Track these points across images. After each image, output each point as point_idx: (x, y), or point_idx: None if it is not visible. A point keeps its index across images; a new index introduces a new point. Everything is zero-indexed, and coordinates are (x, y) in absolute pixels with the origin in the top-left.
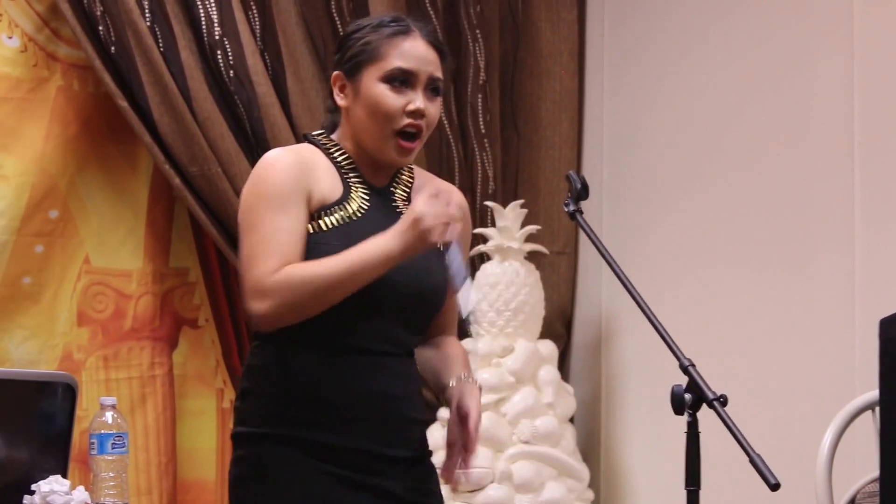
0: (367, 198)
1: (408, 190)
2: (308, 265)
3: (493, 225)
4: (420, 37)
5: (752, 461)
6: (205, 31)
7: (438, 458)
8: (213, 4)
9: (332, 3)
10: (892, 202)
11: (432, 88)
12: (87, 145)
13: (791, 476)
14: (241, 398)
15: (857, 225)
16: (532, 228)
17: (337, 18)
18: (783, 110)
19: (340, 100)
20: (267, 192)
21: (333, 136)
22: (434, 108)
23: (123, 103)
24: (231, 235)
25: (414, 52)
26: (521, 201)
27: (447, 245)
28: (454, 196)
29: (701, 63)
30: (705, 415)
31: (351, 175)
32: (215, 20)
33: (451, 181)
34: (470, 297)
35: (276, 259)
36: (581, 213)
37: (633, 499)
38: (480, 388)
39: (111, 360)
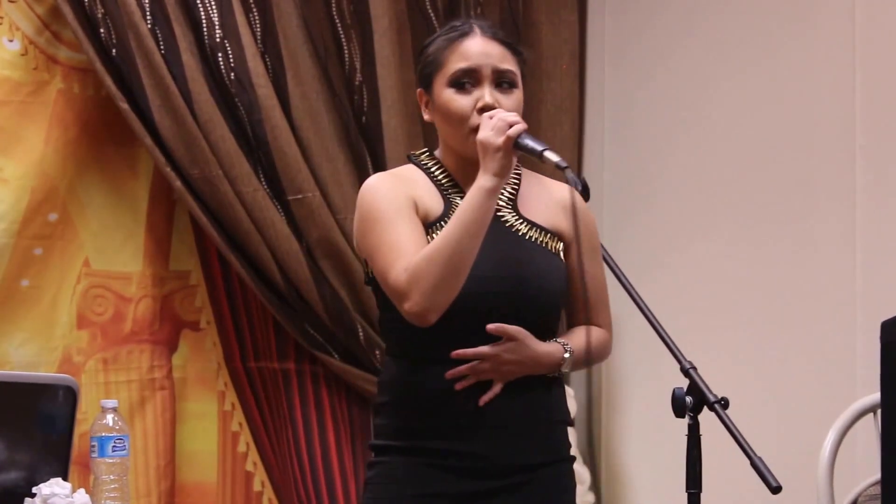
0: None
1: (512, 196)
2: (426, 246)
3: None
4: (479, 34)
5: (753, 464)
6: (206, 33)
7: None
8: (213, 7)
9: (333, 5)
10: (894, 204)
11: (504, 82)
12: (87, 148)
13: (792, 479)
14: (375, 413)
15: (858, 226)
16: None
17: (338, 20)
18: (784, 109)
19: (426, 115)
20: (377, 212)
21: (436, 153)
22: (509, 101)
23: (124, 105)
24: (231, 238)
25: (473, 49)
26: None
27: (519, 140)
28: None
29: (703, 63)
30: (706, 417)
31: (451, 190)
32: (216, 22)
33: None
34: (553, 156)
35: (404, 259)
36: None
37: (634, 501)
38: (565, 359)
39: (111, 363)
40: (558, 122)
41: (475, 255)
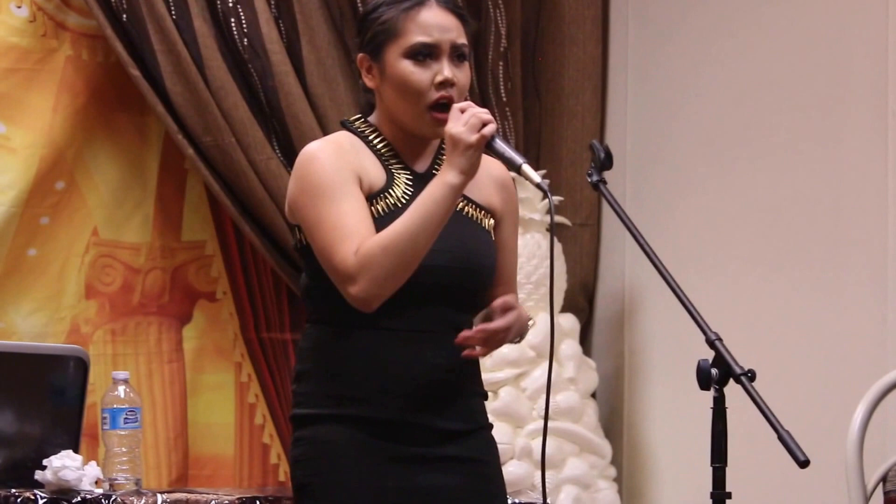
0: (410, 184)
1: None
2: (382, 233)
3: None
4: (436, 5)
5: (780, 438)
6: None
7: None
8: None
9: None
10: None
11: (458, 55)
12: (96, 116)
13: (820, 453)
14: (296, 381)
15: (890, 195)
16: (554, 199)
17: None
18: (812, 67)
19: (369, 81)
20: (319, 185)
21: (371, 120)
22: (462, 74)
23: (135, 72)
24: (245, 207)
25: (432, 22)
26: (542, 172)
27: (491, 142)
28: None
29: (730, 29)
30: (732, 390)
31: (392, 161)
32: None
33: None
34: (532, 172)
35: (351, 241)
36: (605, 183)
37: (656, 476)
38: (528, 326)
39: (119, 334)
40: (581, 87)
41: (428, 248)
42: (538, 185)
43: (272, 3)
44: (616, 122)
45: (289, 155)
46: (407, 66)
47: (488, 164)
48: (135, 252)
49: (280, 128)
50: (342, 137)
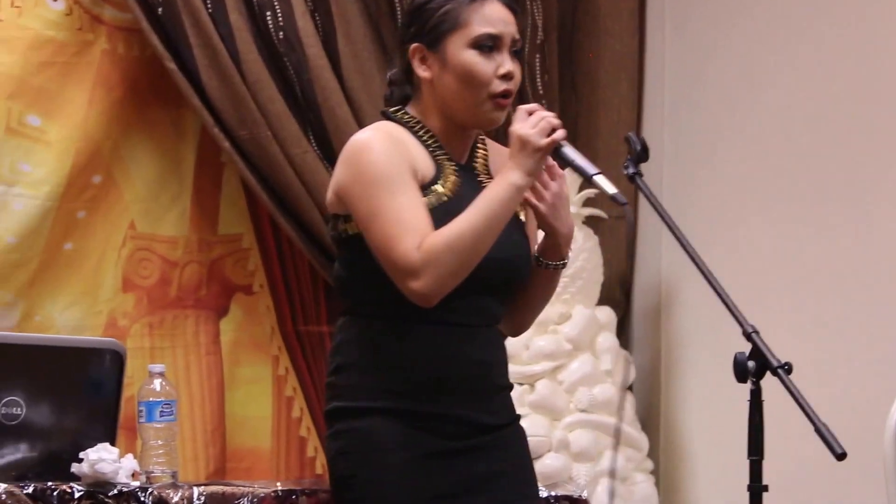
0: (456, 175)
1: (485, 163)
2: (445, 229)
3: None
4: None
5: (817, 430)
6: None
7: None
8: None
9: None
10: None
11: (514, 51)
12: (131, 110)
13: (858, 446)
14: (334, 373)
15: None
16: (590, 192)
17: None
18: (855, 70)
19: (423, 71)
20: (375, 175)
21: (410, 111)
22: (518, 70)
23: (171, 65)
24: (282, 200)
25: (497, 15)
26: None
27: (559, 148)
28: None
29: (766, 18)
30: (769, 382)
31: (438, 153)
32: None
33: (508, 144)
34: (608, 185)
35: (413, 235)
36: (641, 175)
37: (693, 469)
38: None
39: (156, 327)
40: (617, 80)
41: (490, 247)
42: (613, 197)
43: None
44: (653, 114)
45: (325, 148)
46: (472, 56)
47: (502, 153)
48: (172, 245)
49: (316, 121)
50: (389, 127)
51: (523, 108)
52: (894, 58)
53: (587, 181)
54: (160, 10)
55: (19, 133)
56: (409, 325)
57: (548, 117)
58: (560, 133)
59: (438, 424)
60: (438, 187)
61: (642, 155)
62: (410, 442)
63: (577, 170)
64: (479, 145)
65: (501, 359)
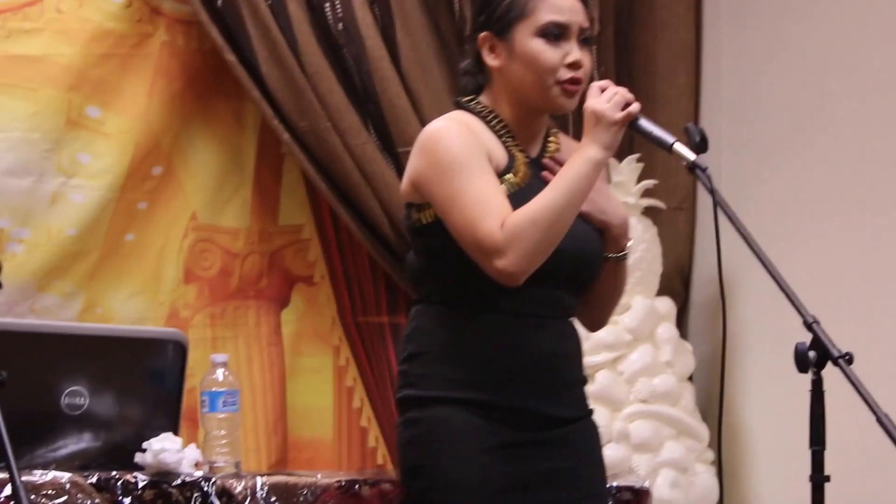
0: (527, 167)
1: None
2: (526, 207)
3: (609, 180)
4: None
5: (879, 421)
6: None
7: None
8: None
9: None
10: None
11: (584, 39)
12: (191, 101)
13: None
14: (408, 361)
15: None
16: (649, 183)
17: None
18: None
19: (492, 60)
20: (453, 161)
21: (482, 101)
22: (588, 59)
23: (231, 57)
24: (341, 191)
25: (563, 4)
26: (637, 155)
27: (635, 121)
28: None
29: (819, 16)
30: (830, 373)
31: (510, 143)
32: None
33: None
34: (686, 151)
35: (495, 216)
36: (697, 167)
37: (754, 459)
38: (626, 254)
39: (218, 318)
40: (674, 71)
41: (571, 223)
42: (693, 164)
43: None
44: (710, 106)
45: (384, 139)
46: (539, 44)
47: (573, 147)
48: (233, 236)
49: (375, 112)
50: (463, 116)
51: (596, 84)
52: None
53: (667, 151)
54: (219, 2)
55: (79, 125)
56: (481, 314)
57: (621, 91)
58: (635, 106)
59: (509, 416)
60: (511, 176)
61: (701, 146)
62: (480, 433)
63: (656, 140)
64: (551, 139)
65: (574, 352)
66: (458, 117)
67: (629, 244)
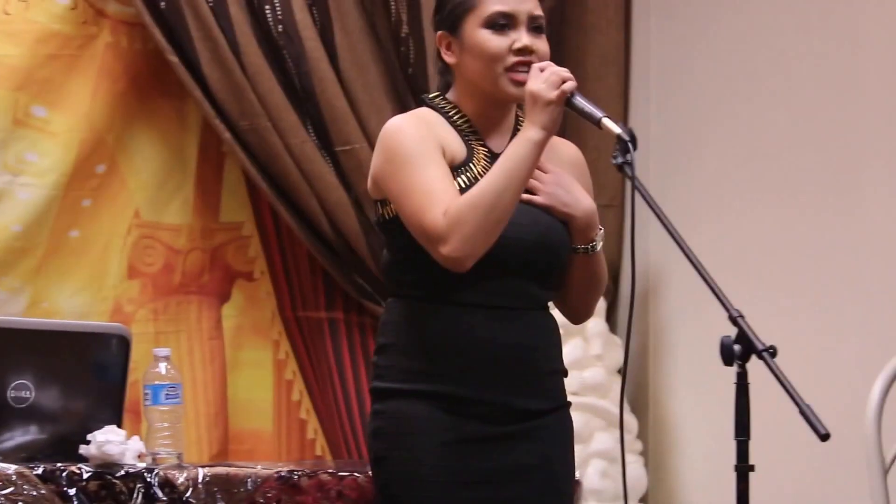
0: (488, 160)
1: None
2: (468, 192)
3: None
4: None
5: (801, 412)
6: None
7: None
8: None
9: None
10: None
11: (535, 27)
12: (135, 101)
13: (840, 426)
14: (378, 353)
15: None
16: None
17: None
18: (833, 56)
19: (448, 57)
20: (405, 154)
21: (449, 97)
22: (542, 45)
23: (173, 58)
24: (281, 189)
25: None
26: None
27: (571, 98)
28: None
29: (747, 12)
30: (754, 366)
31: (471, 137)
32: None
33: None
34: (613, 125)
35: (440, 203)
36: (630, 164)
37: (681, 449)
38: (598, 238)
39: (161, 313)
40: (604, 73)
41: (515, 205)
42: (619, 137)
43: None
44: (639, 107)
45: (322, 138)
46: (485, 34)
47: (560, 145)
48: (175, 233)
49: (314, 111)
50: (423, 112)
51: (536, 65)
52: (876, 49)
53: (596, 125)
54: (162, 4)
55: (25, 124)
56: (445, 307)
57: (557, 70)
58: (569, 84)
59: (475, 409)
60: (468, 169)
61: (632, 144)
62: (445, 426)
63: (587, 116)
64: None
65: (548, 343)
66: (417, 113)
67: (599, 236)
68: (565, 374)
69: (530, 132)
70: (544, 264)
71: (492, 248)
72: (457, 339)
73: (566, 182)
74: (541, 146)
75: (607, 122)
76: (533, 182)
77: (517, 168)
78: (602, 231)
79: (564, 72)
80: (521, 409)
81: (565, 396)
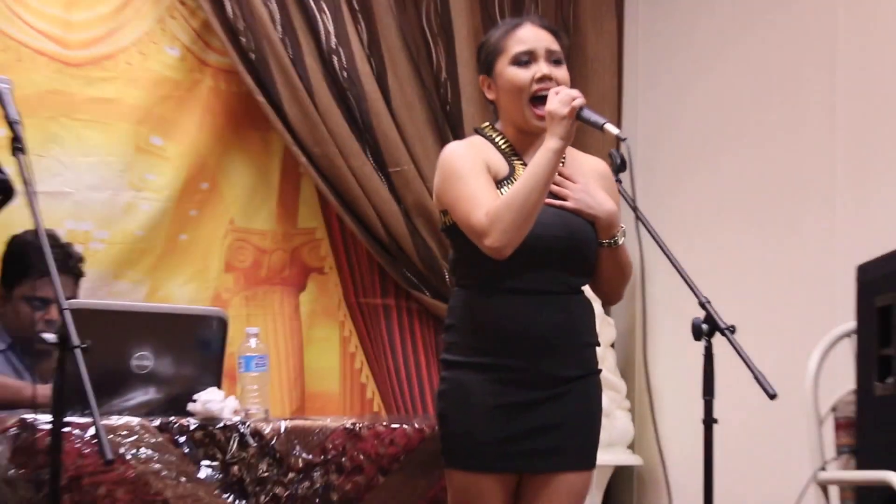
0: None
1: (562, 163)
2: (503, 196)
3: None
4: (530, 24)
5: (755, 377)
6: (324, 41)
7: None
8: (329, 19)
9: (423, 18)
10: (868, 171)
11: (554, 60)
12: (231, 132)
13: (786, 388)
14: (445, 331)
15: (838, 187)
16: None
17: (427, 30)
18: (776, 99)
19: (489, 94)
20: (456, 169)
21: (496, 126)
22: (561, 73)
23: (261, 98)
24: (345, 202)
25: (528, 35)
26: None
27: (580, 112)
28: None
29: (717, 67)
30: (719, 341)
31: (512, 157)
32: (332, 32)
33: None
34: (613, 128)
35: (483, 206)
36: (620, 182)
37: (660, 407)
38: (620, 234)
39: (251, 300)
40: (601, 109)
41: (543, 202)
42: (618, 138)
43: (364, 44)
44: (629, 135)
45: (377, 161)
46: (512, 70)
47: (590, 160)
48: (262, 237)
49: (371, 140)
50: (474, 139)
51: (552, 90)
52: (820, 94)
53: (599, 129)
54: (252, 55)
55: (146, 151)
56: (497, 294)
57: (569, 92)
58: (578, 101)
59: (520, 377)
60: (511, 181)
61: (621, 167)
62: (494, 392)
63: (593, 124)
64: None
65: (581, 321)
66: (469, 140)
67: (620, 232)
68: (597, 344)
69: (550, 142)
70: (574, 257)
71: (532, 245)
72: (505, 321)
73: (591, 189)
74: (559, 153)
75: (608, 126)
76: (564, 191)
77: (541, 172)
78: (624, 228)
79: (574, 92)
80: (557, 376)
81: (596, 364)
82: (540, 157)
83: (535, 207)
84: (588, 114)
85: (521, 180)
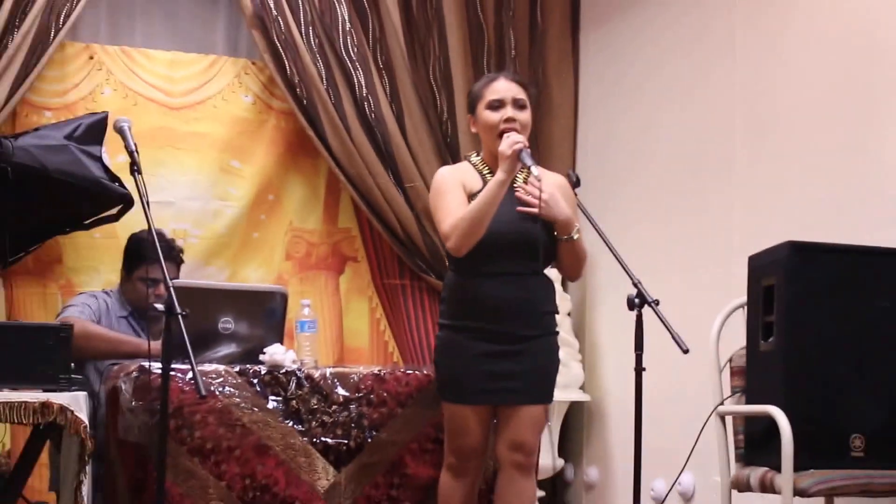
0: None
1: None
2: (464, 212)
3: None
4: (504, 78)
5: (672, 336)
6: (357, 91)
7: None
8: (361, 75)
9: (430, 73)
10: (759, 177)
11: (519, 106)
12: (289, 158)
13: (696, 345)
14: (441, 303)
15: (735, 193)
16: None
17: (433, 83)
18: (687, 122)
19: (473, 128)
20: (438, 188)
21: (480, 154)
22: (523, 116)
23: (311, 134)
24: (373, 209)
25: (500, 87)
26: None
27: (519, 154)
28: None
29: (644, 101)
30: (647, 311)
31: (488, 175)
32: (363, 84)
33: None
34: (535, 170)
35: (451, 218)
36: (576, 194)
37: (604, 359)
38: (575, 232)
39: (304, 280)
40: (562, 145)
41: (490, 217)
42: (537, 177)
43: (387, 93)
44: (583, 164)
45: (396, 178)
46: (487, 112)
47: (554, 176)
48: (312, 234)
49: (392, 163)
50: (461, 164)
51: (505, 136)
52: (723, 104)
53: (528, 170)
54: (305, 102)
55: (227, 171)
56: (474, 276)
57: (514, 137)
58: (518, 145)
59: (490, 335)
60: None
61: (577, 183)
62: (473, 346)
63: (525, 164)
64: (522, 173)
65: (541, 294)
66: (457, 164)
67: (575, 230)
68: (557, 312)
69: (498, 175)
70: (526, 248)
71: (496, 240)
72: (481, 295)
73: (554, 199)
74: (504, 184)
75: (533, 168)
76: (532, 199)
77: (489, 198)
78: (578, 226)
79: (519, 137)
80: (521, 335)
81: (555, 327)
82: (489, 186)
83: (483, 221)
84: (524, 156)
85: (475, 202)
